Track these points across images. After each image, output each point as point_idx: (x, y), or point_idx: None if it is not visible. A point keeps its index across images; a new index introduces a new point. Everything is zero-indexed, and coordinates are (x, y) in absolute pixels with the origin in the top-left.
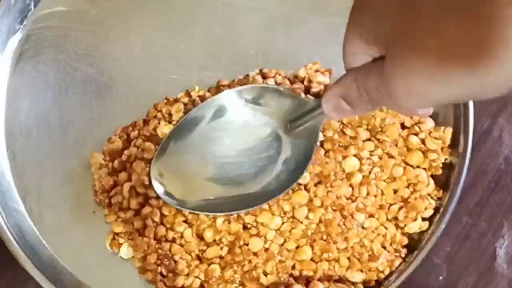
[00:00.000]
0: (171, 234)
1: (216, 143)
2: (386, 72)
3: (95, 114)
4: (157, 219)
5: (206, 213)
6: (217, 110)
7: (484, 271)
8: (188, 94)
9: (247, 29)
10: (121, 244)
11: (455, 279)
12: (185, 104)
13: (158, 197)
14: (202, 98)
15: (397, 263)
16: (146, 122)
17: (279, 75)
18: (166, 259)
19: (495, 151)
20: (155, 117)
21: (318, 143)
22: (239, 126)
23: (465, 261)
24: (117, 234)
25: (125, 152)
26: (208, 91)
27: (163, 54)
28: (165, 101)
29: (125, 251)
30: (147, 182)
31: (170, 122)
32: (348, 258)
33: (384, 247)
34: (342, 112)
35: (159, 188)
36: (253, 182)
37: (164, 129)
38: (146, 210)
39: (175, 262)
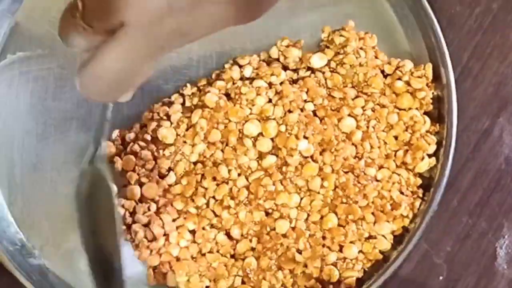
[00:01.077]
0: (209, 246)
1: None
2: None
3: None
4: (188, 237)
5: None
6: None
7: (484, 271)
8: (181, 94)
9: None
10: (165, 274)
11: (455, 279)
12: (182, 104)
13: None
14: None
15: (417, 204)
16: (142, 125)
17: (254, 60)
18: (207, 271)
19: (495, 151)
20: (151, 119)
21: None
22: None
23: (465, 261)
24: (155, 267)
25: (124, 158)
26: (198, 90)
27: None
28: (161, 103)
29: (171, 278)
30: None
31: (171, 124)
32: (373, 213)
33: (402, 193)
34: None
35: None
36: None
37: (165, 131)
38: (174, 234)
39: (214, 268)
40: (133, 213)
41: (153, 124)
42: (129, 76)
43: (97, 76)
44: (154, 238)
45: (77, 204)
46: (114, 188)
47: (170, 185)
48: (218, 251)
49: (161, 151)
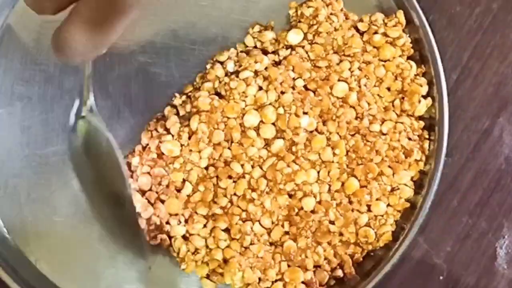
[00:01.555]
0: (249, 239)
1: None
2: None
3: None
4: (224, 237)
5: None
6: None
7: (484, 271)
8: (173, 106)
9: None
10: (221, 273)
11: (455, 279)
12: (176, 115)
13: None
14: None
15: (426, 145)
16: (144, 147)
17: (232, 54)
18: (256, 262)
19: (495, 151)
20: (151, 137)
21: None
22: None
23: (465, 261)
24: (208, 275)
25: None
26: (188, 97)
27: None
28: (155, 120)
29: (227, 277)
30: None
31: (173, 137)
32: (389, 166)
33: (410, 139)
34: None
35: None
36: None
37: (170, 145)
38: (210, 240)
39: (262, 258)
40: (161, 231)
41: (156, 142)
42: (96, 38)
43: (66, 42)
44: (196, 250)
45: (75, 158)
46: (110, 135)
47: (189, 196)
48: (259, 241)
49: (170, 166)
